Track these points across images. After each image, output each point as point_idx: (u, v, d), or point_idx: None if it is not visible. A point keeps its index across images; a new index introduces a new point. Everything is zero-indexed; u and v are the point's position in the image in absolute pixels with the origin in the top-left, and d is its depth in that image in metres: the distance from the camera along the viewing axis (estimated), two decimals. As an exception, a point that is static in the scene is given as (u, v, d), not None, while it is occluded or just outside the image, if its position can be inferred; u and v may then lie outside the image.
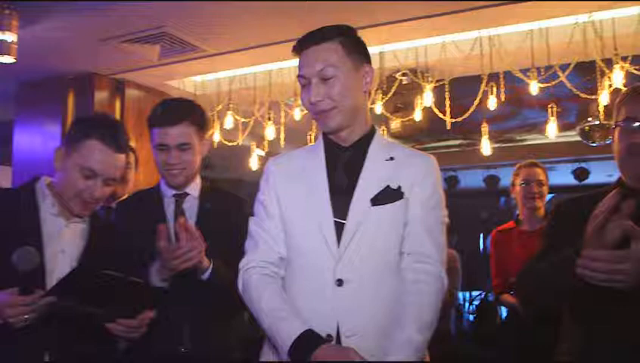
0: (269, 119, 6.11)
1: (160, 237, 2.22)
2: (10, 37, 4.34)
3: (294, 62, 5.56)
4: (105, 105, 5.90)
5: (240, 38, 4.95)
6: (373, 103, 5.61)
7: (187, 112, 2.53)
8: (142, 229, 2.35)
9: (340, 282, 1.86)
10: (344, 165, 2.00)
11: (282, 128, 6.23)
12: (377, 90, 5.63)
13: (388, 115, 5.92)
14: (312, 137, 6.09)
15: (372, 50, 5.12)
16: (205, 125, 2.62)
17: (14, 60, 4.41)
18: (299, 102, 6.01)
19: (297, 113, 6.00)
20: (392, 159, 1.99)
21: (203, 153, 2.62)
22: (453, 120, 5.47)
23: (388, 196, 1.92)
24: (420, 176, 1.96)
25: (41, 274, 2.03)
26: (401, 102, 6.08)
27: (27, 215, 2.08)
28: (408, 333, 1.79)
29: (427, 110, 5.57)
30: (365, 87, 2.00)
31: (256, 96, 6.09)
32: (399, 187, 1.93)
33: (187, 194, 2.61)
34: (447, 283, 1.94)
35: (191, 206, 2.60)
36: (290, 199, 2.01)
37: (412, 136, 7.21)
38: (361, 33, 2.04)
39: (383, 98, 5.62)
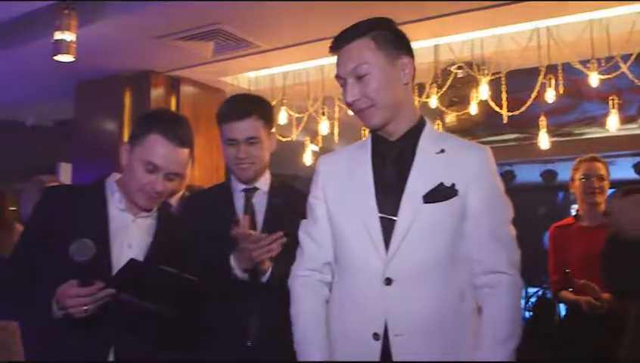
0: (323, 114, 6.09)
1: (238, 226, 2.26)
2: (69, 36, 4.42)
3: None
4: (161, 102, 5.98)
5: (293, 34, 4.96)
6: (428, 97, 5.55)
7: (255, 106, 2.56)
8: (211, 224, 2.40)
9: (388, 281, 1.83)
10: (393, 160, 1.94)
11: (336, 123, 6.22)
12: (431, 84, 5.56)
13: (443, 109, 5.86)
14: (367, 132, 6.03)
15: (426, 43, 5.09)
16: (272, 119, 2.64)
17: (74, 59, 4.49)
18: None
19: (351, 108, 5.94)
20: (442, 151, 1.92)
21: (272, 148, 2.64)
22: (510, 114, 5.36)
23: (441, 193, 1.86)
24: (475, 172, 1.89)
25: (108, 268, 2.06)
26: (456, 96, 6.01)
27: (96, 210, 2.12)
28: (484, 348, 1.79)
29: (483, 104, 5.48)
30: (404, 79, 1.93)
31: (310, 91, 6.08)
32: (453, 185, 1.87)
33: (256, 189, 2.62)
34: (521, 283, 1.89)
35: (260, 200, 2.61)
36: (337, 198, 1.99)
37: (468, 130, 7.10)
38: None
39: (438, 92, 5.55)
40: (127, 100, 6.07)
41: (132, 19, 4.67)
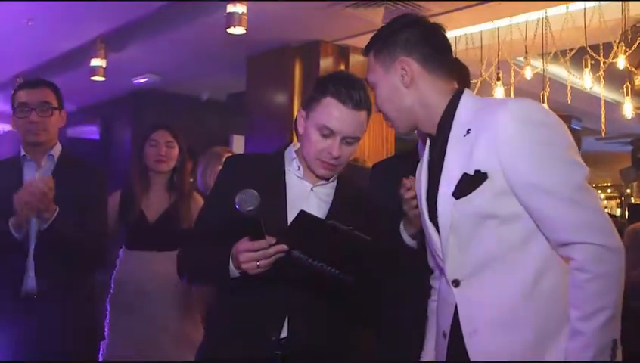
0: (498, 79, 5.85)
1: (403, 187, 2.17)
2: (240, 8, 4.47)
3: (524, 17, 5.32)
4: (330, 72, 5.93)
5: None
6: (615, 57, 5.11)
7: None
8: (396, 190, 2.24)
9: (456, 282, 1.74)
10: (436, 157, 1.83)
11: (512, 89, 5.96)
12: (619, 42, 5.11)
13: (633, 69, 5.37)
14: (546, 97, 5.69)
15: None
16: None
17: (244, 31, 4.53)
18: (530, 61, 5.67)
19: (528, 73, 5.66)
20: (468, 132, 1.71)
21: None
22: None
23: (468, 184, 1.67)
24: (502, 138, 1.63)
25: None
26: (647, 55, 5.49)
27: (274, 178, 2.11)
28: (572, 324, 1.60)
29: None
30: (404, 81, 1.81)
31: (483, 56, 5.84)
32: (478, 171, 1.66)
33: None
34: (611, 250, 1.59)
35: None
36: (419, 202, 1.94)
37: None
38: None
39: (626, 52, 5.10)
40: (297, 71, 6.14)
41: (301, -12, 4.63)
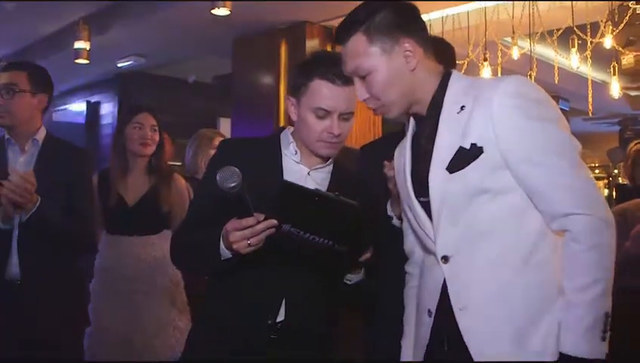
0: (485, 60, 5.82)
1: (387, 167, 2.15)
2: (225, -12, 4.41)
3: None
4: (310, 53, 5.91)
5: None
6: (602, 36, 5.11)
7: None
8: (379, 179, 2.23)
9: (445, 259, 1.74)
10: (426, 136, 1.82)
11: (499, 70, 5.94)
12: (606, 22, 5.11)
13: (620, 49, 5.37)
14: (533, 77, 5.67)
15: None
16: None
17: (229, 12, 4.48)
18: (517, 41, 5.65)
19: (515, 53, 5.64)
20: (462, 108, 1.72)
21: None
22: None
23: (463, 158, 1.69)
24: (498, 114, 1.65)
25: None
26: (634, 34, 5.46)
27: (270, 162, 2.10)
28: (566, 296, 1.62)
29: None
30: (410, 65, 1.78)
31: (470, 36, 5.82)
32: (474, 145, 1.67)
33: None
34: (605, 222, 1.62)
35: None
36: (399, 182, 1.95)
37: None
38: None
39: (613, 31, 5.09)
40: (283, 52, 6.11)
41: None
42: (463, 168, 1.68)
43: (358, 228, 1.85)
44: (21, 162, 2.73)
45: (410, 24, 1.80)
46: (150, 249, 3.39)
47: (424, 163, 1.77)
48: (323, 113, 2.00)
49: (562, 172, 1.64)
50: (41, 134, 2.79)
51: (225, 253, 1.88)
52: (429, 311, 1.78)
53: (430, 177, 1.75)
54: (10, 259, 2.61)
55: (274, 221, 1.80)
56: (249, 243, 1.81)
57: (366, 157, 2.70)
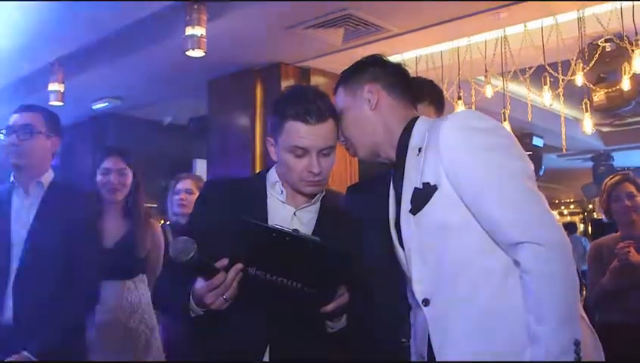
0: (459, 98, 5.87)
1: None
2: (199, 31, 4.42)
3: (483, 36, 5.35)
4: (284, 89, 5.92)
5: (428, 14, 4.77)
6: (573, 74, 5.17)
7: None
8: (377, 213, 2.17)
9: (425, 302, 1.77)
10: (397, 182, 1.91)
11: (474, 108, 5.94)
12: (577, 60, 5.18)
13: (591, 86, 5.43)
14: (507, 115, 5.72)
15: (570, 16, 4.73)
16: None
17: (204, 54, 4.48)
18: (490, 79, 5.71)
19: (489, 91, 5.69)
20: (420, 151, 1.81)
21: None
22: (670, 88, 4.89)
23: (420, 198, 1.75)
24: (443, 148, 1.71)
25: None
26: (605, 71, 5.54)
27: (257, 203, 2.09)
28: (530, 330, 1.59)
29: (638, 78, 5.04)
30: (371, 103, 1.96)
31: (444, 75, 5.86)
32: (427, 183, 1.73)
33: None
34: (564, 251, 1.61)
35: None
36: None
37: (619, 108, 6.57)
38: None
39: (583, 69, 5.16)
40: (258, 93, 6.11)
41: (260, 10, 4.63)
42: (422, 208, 1.73)
43: (326, 268, 1.79)
44: (25, 206, 2.73)
45: (379, 73, 2.00)
46: (126, 293, 3.34)
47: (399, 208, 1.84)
48: (301, 152, 1.98)
49: (509, 201, 1.65)
50: (47, 178, 2.80)
51: (197, 310, 1.86)
52: (421, 355, 1.80)
53: (401, 222, 1.81)
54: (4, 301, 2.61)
55: (239, 265, 1.78)
56: (224, 299, 1.79)
57: (352, 196, 2.68)
